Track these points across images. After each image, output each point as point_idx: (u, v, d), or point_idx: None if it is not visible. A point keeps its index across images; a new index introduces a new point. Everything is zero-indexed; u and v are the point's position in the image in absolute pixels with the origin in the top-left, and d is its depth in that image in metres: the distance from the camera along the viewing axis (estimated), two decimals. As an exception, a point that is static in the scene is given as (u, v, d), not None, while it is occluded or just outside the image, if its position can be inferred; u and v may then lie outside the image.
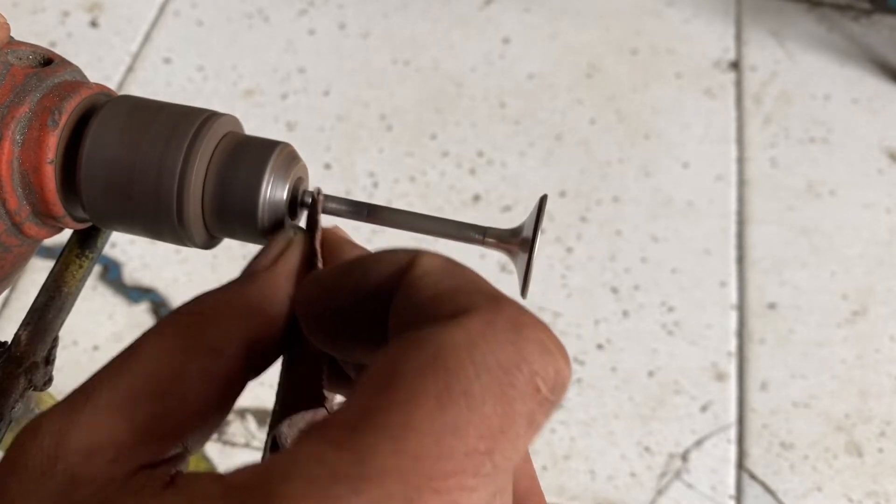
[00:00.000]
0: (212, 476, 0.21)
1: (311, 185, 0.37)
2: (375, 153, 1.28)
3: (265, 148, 0.34)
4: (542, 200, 0.32)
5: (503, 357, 0.19)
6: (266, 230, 0.34)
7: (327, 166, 1.26)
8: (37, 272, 1.13)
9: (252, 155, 0.33)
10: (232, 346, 0.28)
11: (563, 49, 1.42)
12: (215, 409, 0.27)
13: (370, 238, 1.19)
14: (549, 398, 0.20)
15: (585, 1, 1.48)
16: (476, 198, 1.24)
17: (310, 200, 0.34)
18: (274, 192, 0.33)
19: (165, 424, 0.26)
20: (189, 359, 0.27)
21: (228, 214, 0.34)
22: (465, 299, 0.21)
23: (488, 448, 0.19)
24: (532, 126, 1.33)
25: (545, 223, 1.25)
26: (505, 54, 1.41)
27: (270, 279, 0.31)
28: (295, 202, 0.35)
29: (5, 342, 0.43)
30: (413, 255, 0.24)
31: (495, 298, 0.21)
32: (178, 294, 1.14)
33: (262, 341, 0.29)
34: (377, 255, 0.26)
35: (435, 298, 0.22)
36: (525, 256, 0.32)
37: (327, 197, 0.35)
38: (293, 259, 0.31)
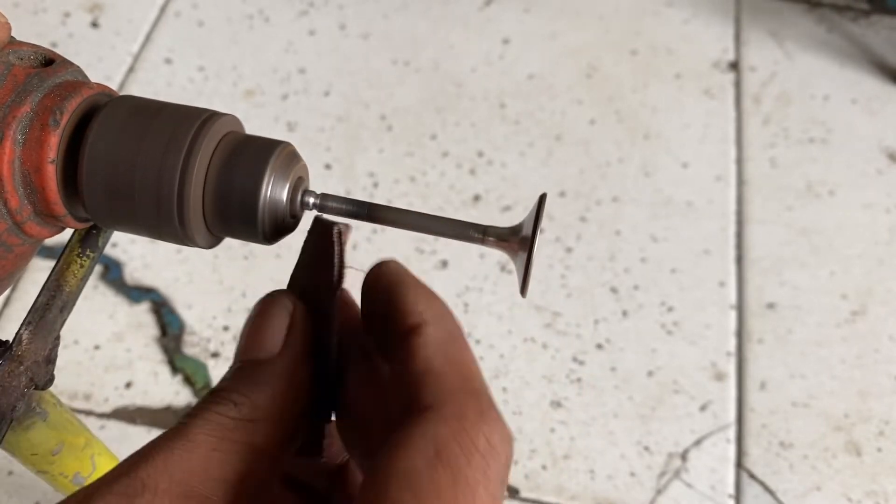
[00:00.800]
0: None
1: (312, 185, 0.37)
2: (375, 153, 1.28)
3: (266, 147, 0.34)
4: (542, 199, 0.32)
5: (480, 443, 0.26)
6: (267, 230, 0.34)
7: (327, 166, 1.27)
8: (38, 272, 1.13)
9: (253, 154, 0.33)
10: (274, 446, 0.29)
11: (563, 49, 1.42)
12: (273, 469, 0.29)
13: (370, 238, 1.19)
14: (510, 461, 0.27)
15: (585, 1, 1.48)
16: (476, 198, 1.25)
17: (322, 225, 0.33)
18: (274, 191, 0.33)
19: None
20: (238, 461, 0.28)
21: (229, 214, 0.34)
22: (447, 388, 0.27)
23: None
24: (532, 126, 1.33)
25: (545, 223, 1.26)
26: (505, 55, 1.41)
27: (291, 369, 0.31)
28: (295, 202, 0.35)
29: (7, 341, 0.43)
30: (420, 322, 0.29)
31: (472, 392, 0.27)
32: (179, 294, 1.14)
33: (295, 433, 0.30)
34: (404, 297, 0.30)
35: (424, 375, 0.27)
36: (524, 255, 0.32)
37: (327, 196, 0.35)
38: (301, 337, 0.32)
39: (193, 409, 0.29)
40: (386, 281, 0.32)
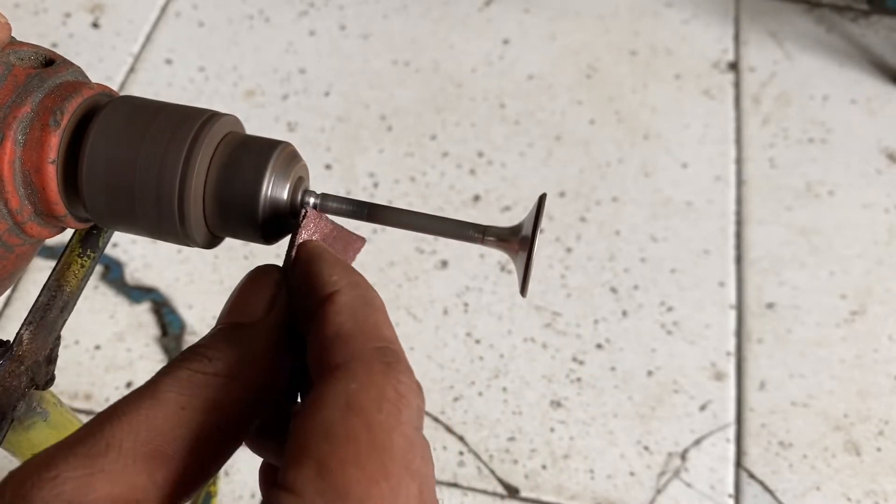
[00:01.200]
0: None
1: (312, 185, 0.37)
2: (376, 153, 1.29)
3: (266, 147, 0.34)
4: (541, 199, 0.32)
5: (389, 393, 0.27)
6: (267, 230, 0.34)
7: (328, 167, 1.27)
8: (38, 272, 1.13)
9: (253, 154, 0.34)
10: (243, 409, 0.29)
11: (563, 50, 1.42)
12: (216, 466, 0.28)
13: (370, 238, 1.19)
14: (422, 409, 0.28)
15: (585, 2, 1.48)
16: (476, 198, 1.25)
17: (303, 211, 0.34)
18: (275, 191, 0.33)
19: (180, 482, 0.27)
20: (206, 419, 0.28)
21: (229, 213, 0.34)
22: (355, 347, 0.28)
23: (403, 447, 0.26)
24: (532, 126, 1.33)
25: (545, 223, 1.26)
26: (505, 55, 1.41)
27: (271, 334, 0.31)
28: (295, 201, 0.35)
29: (7, 341, 0.43)
30: (334, 290, 0.30)
31: (378, 349, 0.28)
32: (180, 294, 1.14)
33: (266, 401, 0.30)
34: (319, 271, 0.31)
35: (335, 338, 0.29)
36: (524, 255, 0.32)
37: (328, 196, 0.35)
38: (285, 307, 0.32)
39: (166, 366, 0.29)
40: (305, 257, 0.32)
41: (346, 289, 0.31)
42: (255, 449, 0.33)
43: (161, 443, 0.26)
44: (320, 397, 0.27)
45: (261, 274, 0.32)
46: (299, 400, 0.34)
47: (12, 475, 0.25)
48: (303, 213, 0.33)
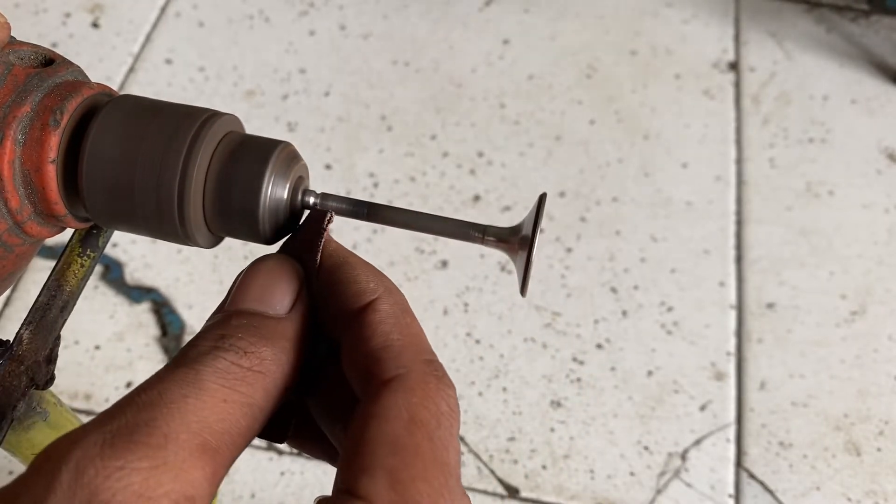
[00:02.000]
0: None
1: (312, 185, 0.37)
2: (376, 153, 1.29)
3: (266, 147, 0.34)
4: (541, 199, 0.32)
5: (443, 407, 0.28)
6: (267, 230, 0.34)
7: (328, 167, 1.27)
8: (38, 272, 1.13)
9: (253, 154, 0.34)
10: (273, 405, 0.29)
11: (563, 50, 1.42)
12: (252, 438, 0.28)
13: (370, 238, 1.19)
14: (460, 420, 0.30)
15: (585, 2, 1.48)
16: (476, 198, 1.25)
17: (316, 212, 0.34)
18: (275, 191, 0.33)
19: (220, 476, 0.27)
20: (242, 413, 0.27)
21: (229, 213, 0.34)
22: (407, 360, 0.29)
23: (456, 462, 0.28)
24: (532, 126, 1.33)
25: (545, 223, 1.26)
26: (505, 55, 1.41)
27: (299, 332, 0.31)
28: (296, 201, 0.35)
29: (7, 341, 0.43)
30: (374, 298, 0.30)
31: (428, 363, 0.29)
32: (180, 294, 1.14)
33: (281, 398, 0.30)
34: (353, 276, 0.31)
35: (383, 349, 0.29)
36: (524, 255, 0.32)
37: (328, 196, 0.35)
38: (308, 305, 0.32)
39: (196, 352, 0.28)
40: (333, 261, 0.32)
41: (385, 296, 0.31)
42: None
43: (208, 436, 0.26)
44: (382, 410, 0.27)
45: (284, 265, 0.32)
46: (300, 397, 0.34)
47: (64, 458, 0.24)
48: (328, 218, 0.33)
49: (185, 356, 0.28)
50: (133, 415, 0.26)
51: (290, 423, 0.33)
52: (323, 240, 0.33)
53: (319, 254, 0.33)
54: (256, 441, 1.04)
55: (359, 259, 0.33)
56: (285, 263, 0.32)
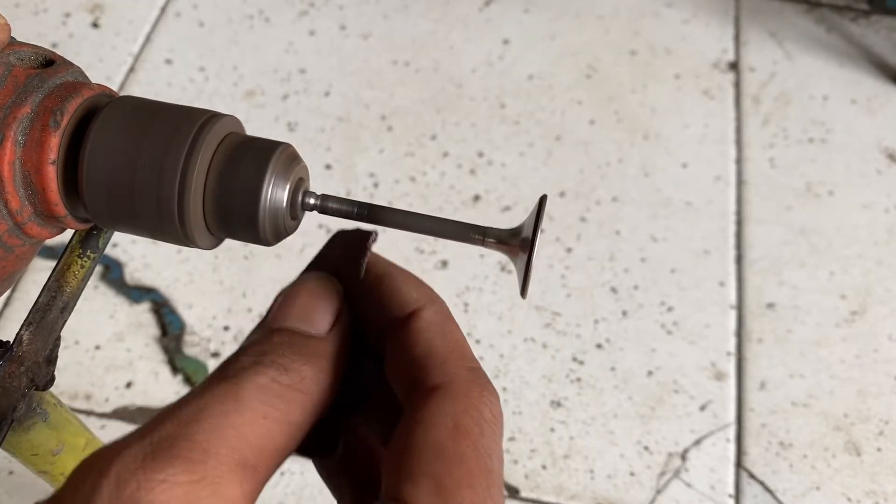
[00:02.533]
0: None
1: (312, 186, 0.37)
2: (376, 154, 1.29)
3: (266, 149, 0.34)
4: (542, 201, 0.32)
5: (487, 415, 0.28)
6: (267, 231, 0.34)
7: (328, 167, 1.27)
8: (38, 272, 1.13)
9: (253, 156, 0.33)
10: (306, 424, 0.29)
11: (563, 50, 1.42)
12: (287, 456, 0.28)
13: (370, 238, 1.19)
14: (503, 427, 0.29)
15: (585, 2, 1.48)
16: (476, 198, 1.25)
17: (360, 232, 0.33)
18: (275, 192, 0.33)
19: (257, 494, 0.26)
20: (280, 431, 0.27)
21: (230, 215, 0.34)
22: (451, 368, 0.29)
23: (499, 470, 0.28)
24: (532, 126, 1.33)
25: (545, 223, 1.26)
26: (505, 55, 1.41)
27: (338, 352, 0.31)
28: (296, 203, 0.35)
29: (7, 342, 0.43)
30: (418, 307, 0.31)
31: (472, 370, 0.29)
32: (180, 294, 1.14)
33: (317, 418, 0.30)
34: (396, 287, 0.32)
35: (427, 358, 0.30)
36: (525, 256, 0.32)
37: (327, 197, 0.35)
38: (348, 324, 0.32)
39: (237, 367, 0.28)
40: (372, 274, 0.32)
41: (428, 305, 0.31)
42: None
43: (247, 452, 0.26)
44: (427, 417, 0.28)
45: (325, 284, 0.32)
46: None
47: (104, 470, 0.24)
48: (372, 238, 0.33)
49: (225, 371, 0.28)
50: (173, 428, 0.25)
51: (338, 439, 0.33)
52: (367, 259, 0.32)
53: (363, 272, 0.32)
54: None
55: (400, 269, 0.33)
56: (327, 283, 0.32)
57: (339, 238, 0.33)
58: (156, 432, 0.25)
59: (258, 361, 0.28)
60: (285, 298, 0.31)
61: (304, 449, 0.32)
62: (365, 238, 0.33)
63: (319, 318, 0.31)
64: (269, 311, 0.32)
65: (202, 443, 0.25)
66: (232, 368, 0.28)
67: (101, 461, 0.25)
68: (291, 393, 0.28)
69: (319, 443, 0.32)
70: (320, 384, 0.29)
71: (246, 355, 0.29)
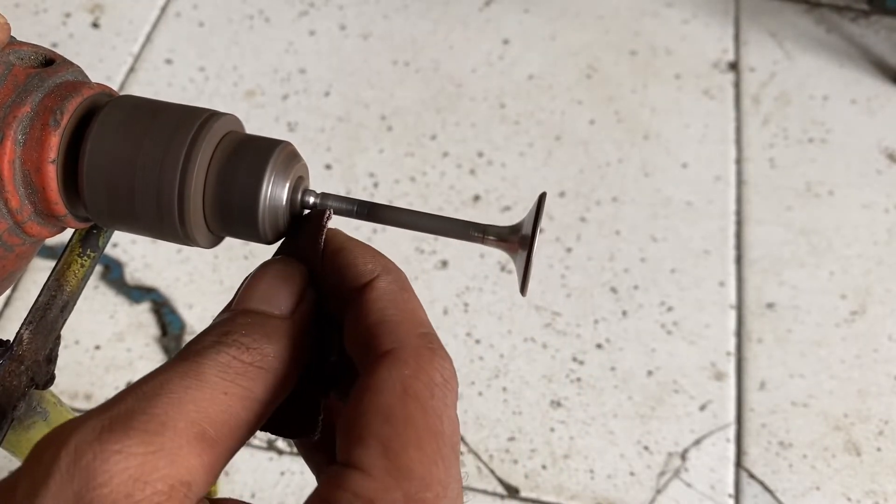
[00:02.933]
0: None
1: (312, 185, 0.37)
2: (376, 153, 1.29)
3: (266, 147, 0.34)
4: (541, 198, 0.32)
5: (437, 378, 0.29)
6: (267, 229, 0.34)
7: (328, 167, 1.27)
8: (38, 272, 1.13)
9: (253, 154, 0.34)
10: (275, 400, 0.30)
11: (563, 50, 1.42)
12: (232, 456, 0.29)
13: (370, 237, 1.19)
14: (457, 393, 0.30)
15: (585, 2, 1.48)
16: (476, 198, 1.25)
17: (316, 211, 0.34)
18: (275, 191, 0.33)
19: (219, 466, 0.27)
20: (242, 407, 0.28)
21: (229, 213, 0.34)
22: (403, 334, 0.30)
23: (451, 432, 0.28)
24: (532, 126, 1.33)
25: (545, 223, 1.26)
26: (505, 55, 1.41)
27: (302, 331, 0.31)
28: (295, 201, 0.35)
29: (7, 341, 0.43)
30: (372, 278, 0.31)
31: (423, 336, 0.30)
32: (180, 294, 1.14)
33: (283, 396, 0.31)
34: (352, 259, 0.32)
35: (380, 325, 0.30)
36: (525, 254, 0.32)
37: (328, 195, 0.35)
38: (313, 304, 0.32)
39: (199, 346, 0.29)
40: (329, 248, 0.33)
41: (383, 274, 0.32)
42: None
43: (207, 425, 0.27)
44: (376, 383, 0.28)
45: (289, 266, 0.33)
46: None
47: (64, 443, 0.25)
48: (327, 215, 0.34)
49: (188, 350, 0.29)
50: (132, 403, 0.27)
51: (317, 419, 0.33)
52: (323, 237, 0.33)
53: (322, 250, 0.33)
54: (256, 441, 1.04)
55: (356, 242, 0.33)
56: (289, 265, 0.33)
57: (302, 221, 0.34)
58: (115, 407, 0.27)
59: (220, 341, 0.29)
60: (249, 281, 0.32)
61: (286, 430, 0.32)
62: (321, 215, 0.33)
63: (282, 298, 0.31)
64: (235, 295, 0.32)
65: (160, 416, 0.26)
66: (195, 348, 0.29)
67: (62, 434, 0.26)
68: (253, 370, 0.29)
69: (300, 423, 0.33)
70: (284, 362, 0.30)
71: (209, 335, 0.30)
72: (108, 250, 1.16)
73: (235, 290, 0.33)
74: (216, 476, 0.27)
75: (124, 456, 0.25)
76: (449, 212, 1.23)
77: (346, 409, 0.28)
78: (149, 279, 1.15)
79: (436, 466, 0.27)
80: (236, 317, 0.30)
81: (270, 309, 0.31)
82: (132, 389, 0.27)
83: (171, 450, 0.25)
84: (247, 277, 0.33)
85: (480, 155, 1.29)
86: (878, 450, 1.07)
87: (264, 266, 0.33)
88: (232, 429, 0.27)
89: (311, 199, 0.35)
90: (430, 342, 0.30)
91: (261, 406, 0.29)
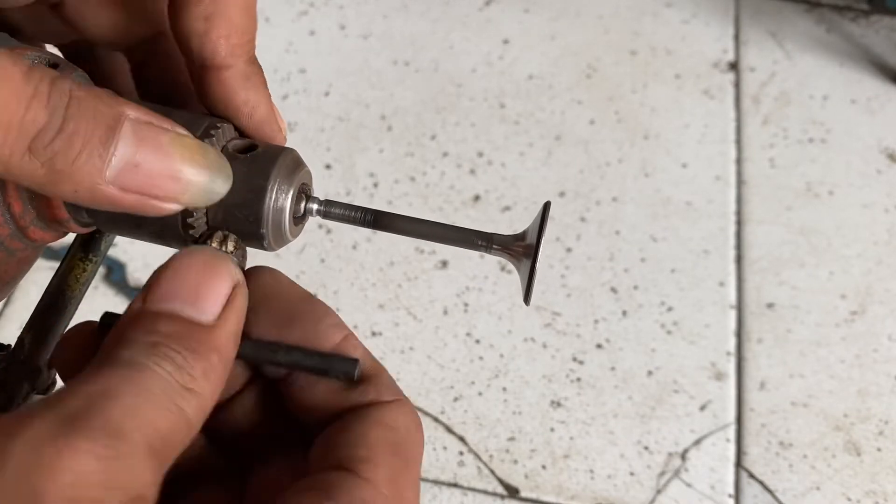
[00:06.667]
0: None
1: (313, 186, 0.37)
2: (376, 153, 1.28)
3: (270, 154, 0.34)
4: (546, 207, 0.32)
5: (416, 439, 0.32)
6: (271, 237, 0.34)
7: (328, 167, 1.27)
8: (37, 271, 1.12)
9: (257, 161, 0.33)
10: (200, 424, 0.28)
11: (563, 50, 1.42)
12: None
13: (370, 237, 1.19)
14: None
15: (585, 2, 1.48)
16: (476, 198, 1.25)
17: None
18: (278, 199, 0.33)
19: (161, 483, 0.26)
20: (182, 431, 0.27)
21: (233, 220, 0.34)
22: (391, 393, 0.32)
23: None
24: (532, 126, 1.33)
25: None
26: (505, 55, 1.41)
27: (229, 336, 0.29)
28: (299, 208, 0.35)
29: (8, 345, 0.43)
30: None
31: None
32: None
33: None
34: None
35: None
36: (528, 262, 0.32)
37: (332, 203, 0.35)
38: (242, 311, 0.30)
39: (131, 354, 0.27)
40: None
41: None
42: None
43: (156, 440, 0.25)
44: (389, 419, 0.31)
45: (221, 262, 0.30)
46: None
47: (12, 435, 0.23)
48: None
49: (117, 354, 0.27)
50: (85, 403, 0.25)
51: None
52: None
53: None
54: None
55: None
56: (224, 259, 0.30)
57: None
58: (65, 404, 0.24)
59: (155, 352, 0.27)
60: (174, 273, 0.30)
61: None
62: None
63: (210, 302, 0.29)
64: (153, 277, 0.30)
65: (118, 421, 0.24)
66: (125, 354, 0.27)
67: (6, 426, 0.24)
68: (187, 393, 0.27)
69: None
70: (211, 383, 0.28)
71: (136, 343, 0.27)
72: (109, 251, 1.16)
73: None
74: (163, 488, 0.26)
75: (89, 457, 0.23)
76: (449, 212, 1.23)
77: (351, 426, 0.31)
78: (149, 279, 1.15)
79: (414, 493, 0.30)
80: (158, 321, 0.28)
81: (196, 315, 0.28)
82: (74, 390, 0.25)
83: (128, 459, 0.24)
84: (169, 261, 0.30)
85: (480, 155, 1.29)
86: (878, 450, 1.08)
87: (189, 255, 0.30)
88: (174, 447, 0.26)
89: (315, 206, 0.35)
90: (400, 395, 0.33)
91: (192, 429, 0.27)
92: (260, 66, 0.36)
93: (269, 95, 0.37)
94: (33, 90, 0.27)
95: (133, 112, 0.29)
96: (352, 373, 0.31)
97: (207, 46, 0.33)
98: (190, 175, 0.29)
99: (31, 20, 0.37)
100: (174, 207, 0.30)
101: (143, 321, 0.28)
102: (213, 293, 0.29)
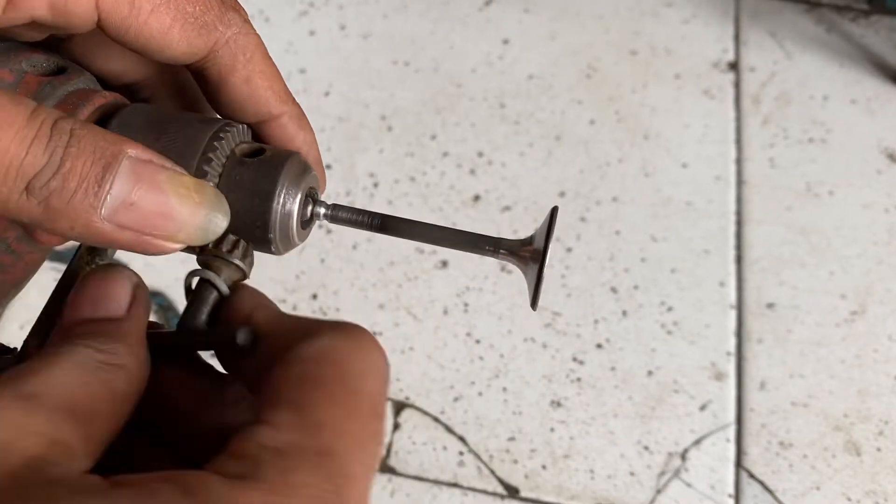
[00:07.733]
0: (163, 476, 0.25)
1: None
2: (376, 153, 1.29)
3: (277, 158, 0.34)
4: (553, 212, 0.32)
5: (353, 343, 0.29)
6: (279, 241, 0.34)
7: (328, 167, 1.27)
8: (40, 271, 1.13)
9: (265, 165, 0.33)
10: (138, 391, 0.30)
11: (563, 50, 1.42)
12: (123, 423, 0.29)
13: (371, 237, 1.19)
14: (388, 367, 0.30)
15: (585, 2, 1.48)
16: (476, 198, 1.25)
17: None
18: (286, 203, 0.33)
19: (96, 446, 0.27)
20: (109, 400, 0.28)
21: (241, 224, 0.34)
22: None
23: (378, 392, 0.29)
24: (532, 126, 1.33)
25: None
26: (505, 55, 1.41)
27: (142, 325, 0.32)
28: (306, 213, 0.35)
29: (14, 348, 0.43)
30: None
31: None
32: (183, 296, 1.14)
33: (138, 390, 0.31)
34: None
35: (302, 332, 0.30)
36: (535, 267, 0.32)
37: (339, 207, 0.35)
38: (145, 311, 0.32)
39: (52, 348, 0.29)
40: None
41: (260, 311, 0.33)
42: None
43: (70, 402, 0.27)
44: (292, 355, 0.29)
45: (114, 272, 0.32)
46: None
47: None
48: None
49: (45, 352, 0.29)
50: (6, 376, 0.27)
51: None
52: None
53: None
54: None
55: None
56: (116, 268, 0.33)
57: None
58: None
59: (74, 343, 0.29)
60: (74, 295, 0.32)
61: None
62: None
63: (115, 303, 0.31)
64: (65, 303, 0.32)
65: (31, 386, 0.27)
66: (52, 349, 0.29)
67: None
68: (109, 366, 0.29)
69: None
70: (136, 357, 0.30)
71: (60, 343, 0.29)
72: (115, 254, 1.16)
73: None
74: (95, 456, 0.27)
75: (3, 410, 0.25)
76: (449, 212, 1.23)
77: (263, 383, 0.29)
78: (153, 283, 1.15)
79: (350, 421, 0.27)
80: (73, 328, 0.30)
81: (104, 314, 0.31)
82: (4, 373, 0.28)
83: (45, 411, 0.26)
84: (76, 284, 0.33)
85: (480, 155, 1.29)
86: (878, 450, 1.08)
87: (87, 277, 0.33)
88: (100, 414, 0.28)
89: (323, 211, 0.35)
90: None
91: (125, 399, 0.29)
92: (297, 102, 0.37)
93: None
94: (35, 133, 0.28)
95: (133, 150, 0.29)
96: (239, 343, 0.31)
97: (261, 105, 0.36)
98: (185, 215, 0.30)
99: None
100: (171, 246, 0.31)
101: (62, 333, 0.31)
102: (117, 294, 0.31)
